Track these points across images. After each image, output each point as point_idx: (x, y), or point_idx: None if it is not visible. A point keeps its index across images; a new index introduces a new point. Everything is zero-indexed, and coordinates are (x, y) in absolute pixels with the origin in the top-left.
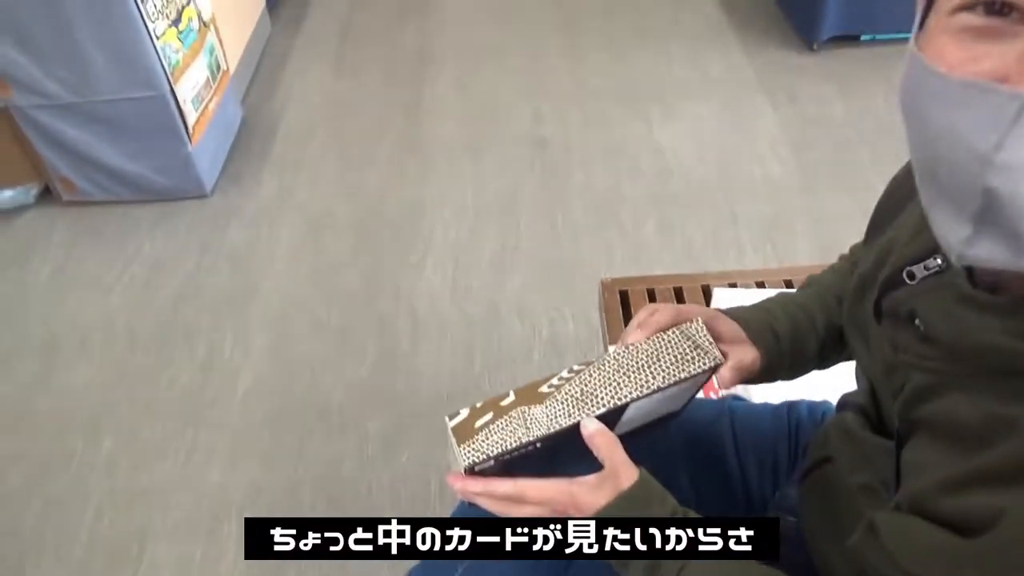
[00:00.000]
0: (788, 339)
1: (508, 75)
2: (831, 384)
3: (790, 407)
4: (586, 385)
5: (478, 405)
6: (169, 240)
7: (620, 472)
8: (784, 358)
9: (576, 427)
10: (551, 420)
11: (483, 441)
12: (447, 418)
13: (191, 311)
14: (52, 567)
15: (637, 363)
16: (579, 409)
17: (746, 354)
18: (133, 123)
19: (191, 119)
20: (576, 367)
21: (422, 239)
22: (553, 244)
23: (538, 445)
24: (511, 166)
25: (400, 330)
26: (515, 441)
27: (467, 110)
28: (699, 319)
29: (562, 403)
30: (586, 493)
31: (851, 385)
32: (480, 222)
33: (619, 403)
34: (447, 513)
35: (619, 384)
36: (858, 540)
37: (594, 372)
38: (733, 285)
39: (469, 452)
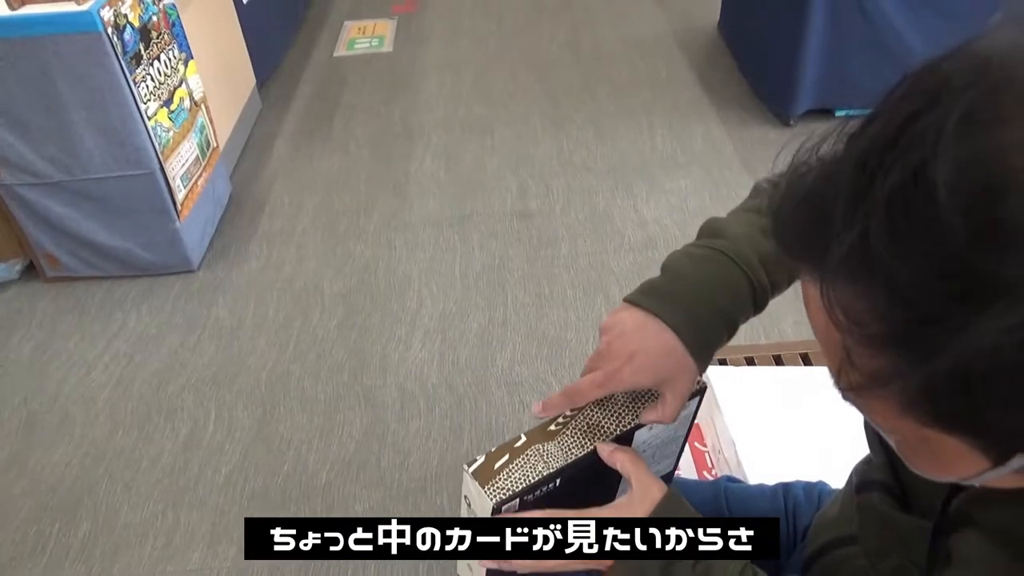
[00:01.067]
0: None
1: (494, 150)
2: (828, 464)
3: (786, 489)
4: (591, 419)
5: (492, 450)
6: (154, 316)
7: (649, 486)
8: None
9: (591, 456)
10: (566, 453)
11: (505, 480)
12: (465, 465)
13: (174, 388)
14: None
15: (634, 395)
16: (590, 439)
17: (677, 397)
18: (121, 200)
19: (180, 196)
20: (571, 410)
21: (409, 313)
22: (541, 316)
23: (558, 482)
24: (498, 239)
25: (387, 405)
26: (536, 475)
27: (454, 184)
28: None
29: (572, 436)
30: (620, 515)
31: (848, 465)
32: (467, 295)
33: (625, 429)
34: None
35: (621, 414)
36: None
37: (595, 407)
38: (723, 361)
39: (493, 492)
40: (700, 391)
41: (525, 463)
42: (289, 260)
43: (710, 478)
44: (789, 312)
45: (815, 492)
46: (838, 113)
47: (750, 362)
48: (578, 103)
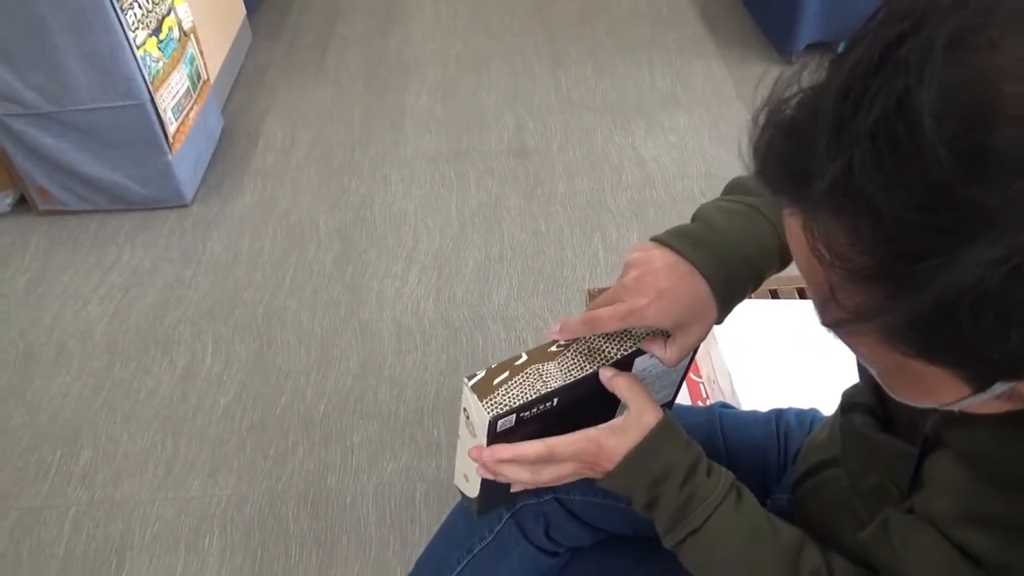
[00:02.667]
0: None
1: (490, 86)
2: (820, 393)
3: (778, 415)
4: (592, 343)
5: (493, 366)
6: (148, 250)
7: (645, 412)
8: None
9: (588, 379)
10: (565, 374)
11: (503, 395)
12: (465, 379)
13: (171, 321)
14: None
15: (621, 334)
16: (590, 363)
17: (686, 346)
18: (112, 132)
19: (171, 128)
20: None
21: (405, 248)
22: (537, 253)
23: (555, 401)
24: (494, 175)
25: (384, 339)
26: (533, 393)
27: (450, 120)
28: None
29: (573, 358)
30: (612, 437)
31: (837, 396)
32: (463, 231)
33: (626, 353)
34: (434, 523)
35: (623, 340)
36: (871, 533)
37: (587, 342)
38: None
39: (491, 406)
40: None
41: (524, 381)
42: (283, 195)
43: (703, 405)
44: None
45: (807, 418)
46: (842, 47)
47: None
48: (577, 39)
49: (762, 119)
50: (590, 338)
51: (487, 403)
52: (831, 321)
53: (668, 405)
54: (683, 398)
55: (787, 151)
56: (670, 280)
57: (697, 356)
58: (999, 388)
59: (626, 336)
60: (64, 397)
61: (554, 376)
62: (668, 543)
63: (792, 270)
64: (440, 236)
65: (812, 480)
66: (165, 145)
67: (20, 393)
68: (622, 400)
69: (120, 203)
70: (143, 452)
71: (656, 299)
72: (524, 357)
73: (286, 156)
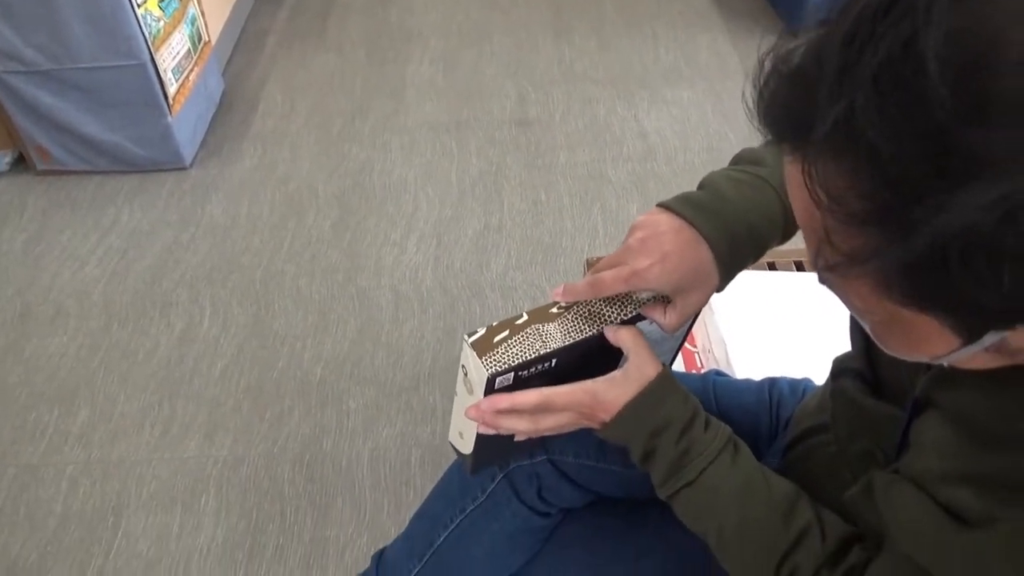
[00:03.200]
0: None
1: (492, 57)
2: (813, 363)
3: (771, 383)
4: (593, 307)
5: (494, 324)
6: (146, 212)
7: (646, 362)
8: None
9: (588, 341)
10: (565, 335)
11: (503, 353)
12: (465, 336)
13: (169, 284)
14: (26, 538)
15: (622, 297)
16: (590, 325)
17: (687, 313)
18: (112, 92)
19: (171, 89)
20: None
21: (404, 216)
22: (536, 223)
23: (553, 361)
24: (495, 145)
25: (381, 307)
26: (532, 353)
27: (451, 89)
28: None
29: (573, 321)
30: (610, 390)
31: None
32: (463, 200)
33: (626, 318)
34: (429, 487)
35: (624, 304)
36: (856, 494)
37: (588, 305)
38: None
39: (490, 363)
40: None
41: (524, 340)
42: (283, 160)
43: (697, 373)
44: None
45: (800, 387)
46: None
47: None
48: (581, 11)
49: (767, 66)
50: (591, 301)
51: (486, 360)
52: (825, 265)
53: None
54: (678, 367)
55: (791, 97)
56: (675, 244)
57: (692, 327)
58: (988, 340)
59: (627, 301)
60: (61, 357)
61: (554, 337)
62: (663, 494)
63: (790, 243)
64: (440, 204)
65: (802, 445)
66: (165, 106)
67: (17, 352)
68: (625, 351)
69: (119, 164)
70: (140, 412)
71: (660, 262)
72: (525, 317)
73: (286, 121)
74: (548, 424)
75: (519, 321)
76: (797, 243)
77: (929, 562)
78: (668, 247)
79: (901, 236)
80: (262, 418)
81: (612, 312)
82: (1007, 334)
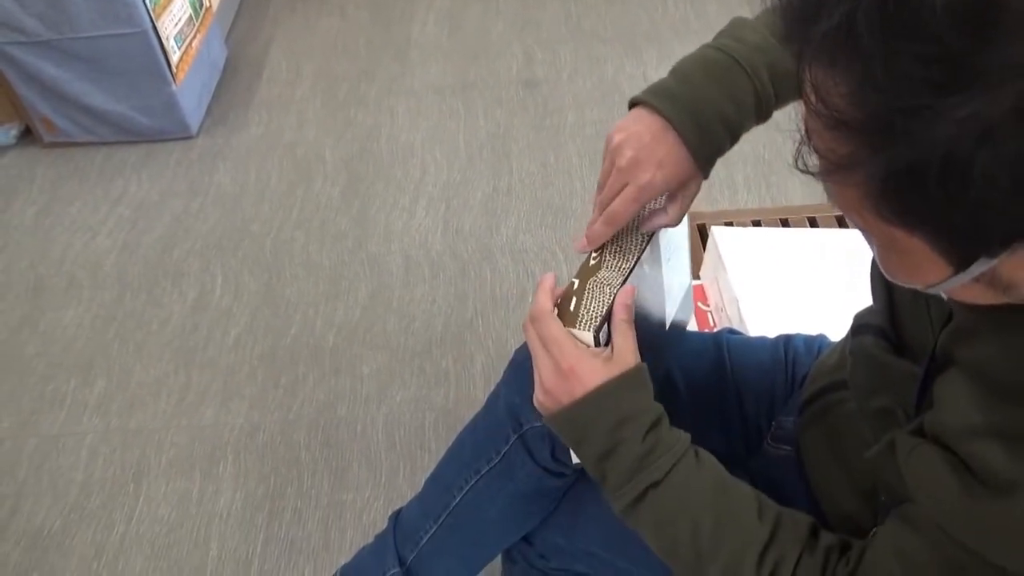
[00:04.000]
0: (732, 140)
1: (498, 14)
2: (828, 320)
3: (786, 341)
4: (618, 243)
5: (559, 302)
6: (155, 182)
7: (628, 352)
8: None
9: (636, 267)
10: (619, 273)
11: (587, 313)
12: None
13: (180, 254)
14: (50, 506)
15: (629, 226)
16: (627, 258)
17: (687, 201)
18: (115, 61)
19: (174, 57)
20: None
21: (413, 181)
22: (546, 185)
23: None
24: (503, 106)
25: (392, 272)
26: (609, 298)
27: (457, 50)
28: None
29: (614, 258)
30: (594, 359)
31: (846, 324)
32: (471, 163)
33: (644, 243)
34: (443, 450)
35: (636, 230)
36: (877, 453)
37: (611, 241)
38: (729, 224)
39: (585, 325)
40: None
41: (593, 296)
42: (289, 127)
43: (709, 332)
44: (798, 178)
45: (815, 344)
46: None
47: (756, 224)
48: None
49: None
50: (612, 246)
51: (580, 326)
52: (813, 170)
53: (686, 302)
54: (690, 327)
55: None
56: (664, 148)
57: (706, 285)
58: (977, 269)
59: (634, 226)
60: (77, 327)
61: (613, 280)
62: (620, 500)
63: (802, 199)
64: (448, 168)
65: (819, 402)
66: (169, 75)
67: (33, 324)
68: (614, 336)
69: (125, 135)
70: (156, 381)
71: (658, 169)
72: (576, 282)
73: (291, 87)
74: (536, 355)
75: (575, 287)
76: (808, 199)
77: (951, 525)
78: (660, 154)
79: (885, 147)
80: (277, 385)
81: (631, 241)
82: (995, 263)
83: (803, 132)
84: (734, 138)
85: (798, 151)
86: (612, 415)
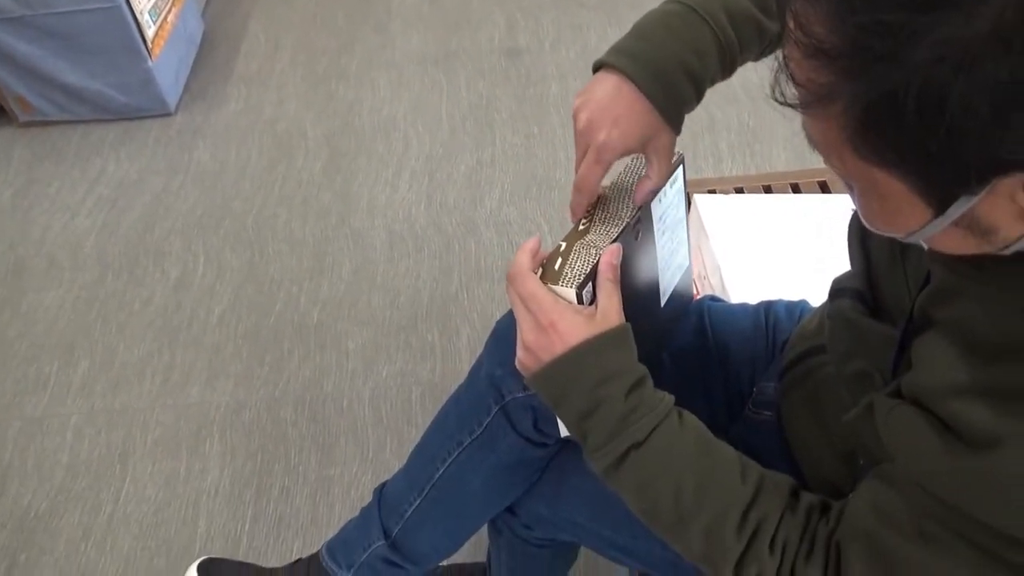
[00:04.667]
0: (698, 95)
1: None
2: (810, 286)
3: (767, 307)
4: (606, 207)
5: (544, 263)
6: (133, 161)
7: (612, 312)
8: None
9: (623, 234)
10: (606, 237)
11: (572, 271)
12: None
13: (161, 232)
14: (36, 488)
15: (632, 179)
16: (615, 225)
17: (662, 157)
18: (89, 37)
19: (149, 32)
20: (589, 210)
21: (395, 154)
22: (529, 156)
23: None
24: (485, 77)
25: (376, 247)
26: (594, 259)
27: (438, 19)
28: (628, 169)
29: (603, 224)
30: (577, 315)
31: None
32: (454, 136)
33: (636, 209)
34: (426, 423)
35: (626, 198)
36: (855, 416)
37: (601, 207)
38: (712, 191)
39: (568, 281)
40: (680, 160)
41: (579, 257)
42: (269, 102)
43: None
44: (782, 146)
45: (796, 310)
46: None
47: (739, 191)
48: None
49: None
50: (602, 206)
51: (564, 283)
52: (791, 100)
53: (687, 272)
54: None
55: None
56: (618, 106)
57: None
58: (956, 210)
59: (622, 189)
60: (58, 309)
61: (599, 242)
62: (601, 461)
63: (785, 166)
64: (430, 141)
65: (799, 367)
66: (144, 51)
67: (14, 306)
68: (599, 295)
69: (102, 113)
70: (140, 361)
71: (612, 127)
72: (563, 244)
73: (270, 61)
74: (518, 312)
75: (562, 248)
76: (792, 166)
77: (931, 483)
78: (616, 111)
79: (861, 74)
80: (262, 362)
81: (622, 208)
82: (973, 202)
83: (781, 61)
84: (699, 90)
85: (775, 79)
86: (594, 373)
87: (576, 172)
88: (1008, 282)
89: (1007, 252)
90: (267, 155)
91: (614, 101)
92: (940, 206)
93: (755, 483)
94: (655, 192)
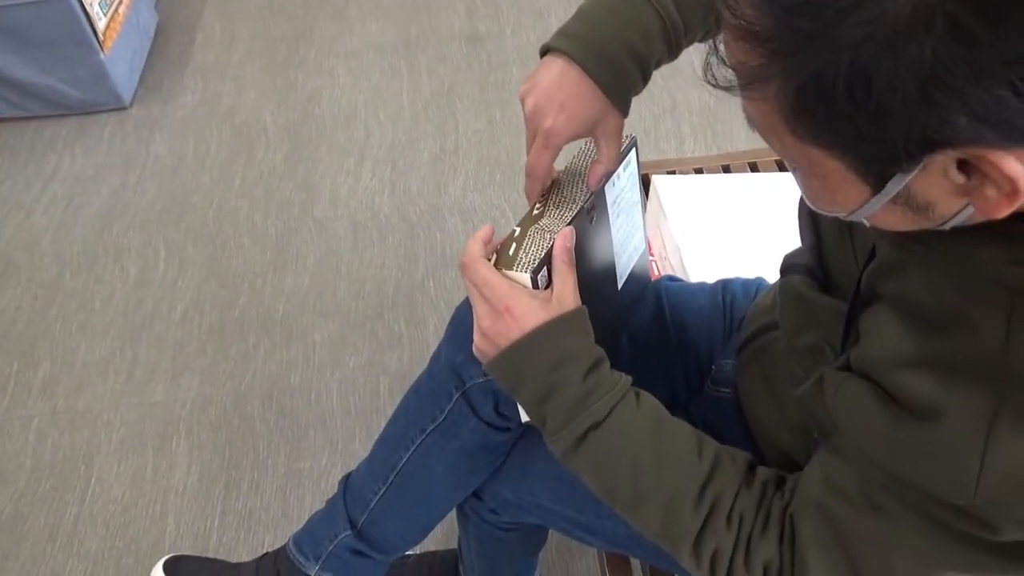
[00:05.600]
0: (644, 77)
1: None
2: (768, 264)
3: (724, 285)
4: (561, 191)
5: (498, 248)
6: (89, 156)
7: (567, 295)
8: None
9: (577, 219)
10: (560, 221)
11: (526, 256)
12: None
13: (119, 229)
14: None
15: (574, 178)
16: (570, 208)
17: (611, 140)
18: (36, 31)
19: (100, 25)
20: (543, 195)
21: (357, 144)
22: (493, 143)
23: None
24: (446, 64)
25: (340, 237)
26: (548, 244)
27: (397, 7)
28: (582, 153)
29: (556, 209)
30: (532, 300)
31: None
32: (416, 123)
33: (588, 195)
34: None
35: (574, 181)
36: (806, 391)
37: (555, 192)
38: (672, 172)
39: (523, 266)
40: (632, 143)
41: (533, 241)
42: (227, 93)
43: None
44: (743, 126)
45: (752, 287)
46: None
47: (699, 171)
48: None
49: None
50: (555, 188)
51: (518, 268)
52: (723, 83)
53: (643, 256)
54: None
55: None
56: (563, 90)
57: (649, 235)
58: (893, 188)
59: (575, 173)
60: (16, 310)
61: (554, 227)
62: (560, 443)
63: (747, 143)
64: (392, 129)
65: (754, 344)
66: (96, 43)
67: None
68: (554, 279)
69: (55, 108)
70: (102, 360)
71: (559, 111)
72: (517, 230)
73: (227, 52)
74: (474, 299)
75: (516, 233)
76: (752, 145)
77: (876, 452)
78: (560, 95)
79: (791, 55)
80: (227, 357)
81: (576, 191)
82: (908, 180)
83: (713, 46)
84: (645, 71)
85: (706, 63)
86: (550, 355)
87: (527, 157)
88: (949, 254)
89: (946, 227)
90: (226, 147)
91: (559, 86)
92: (877, 184)
93: (711, 459)
94: (608, 175)
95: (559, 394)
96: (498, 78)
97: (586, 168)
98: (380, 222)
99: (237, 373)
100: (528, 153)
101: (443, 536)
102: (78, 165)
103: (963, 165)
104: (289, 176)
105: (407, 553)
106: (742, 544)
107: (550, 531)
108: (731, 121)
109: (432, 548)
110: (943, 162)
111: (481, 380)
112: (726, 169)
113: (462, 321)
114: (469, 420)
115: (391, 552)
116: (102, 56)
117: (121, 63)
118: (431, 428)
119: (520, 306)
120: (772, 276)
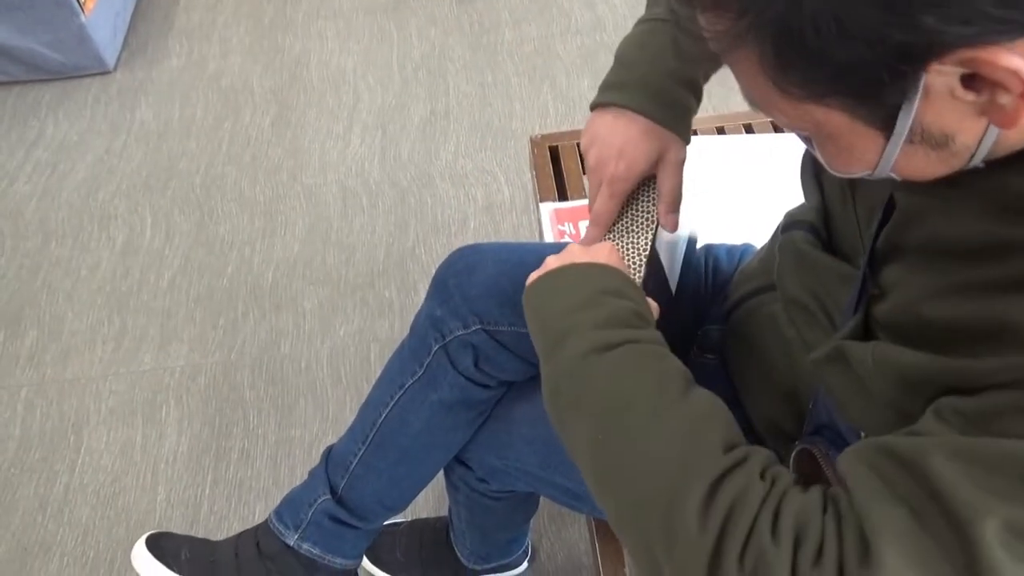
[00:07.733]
0: (695, 101)
1: None
2: (756, 229)
3: (707, 250)
4: (629, 233)
5: None
6: (74, 121)
7: (611, 257)
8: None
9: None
10: (642, 252)
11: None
12: None
13: (105, 196)
14: None
15: (647, 204)
16: (637, 245)
17: (672, 172)
18: None
19: None
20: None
21: (346, 108)
22: (484, 106)
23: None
24: (437, 25)
25: (329, 203)
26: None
27: None
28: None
29: (626, 250)
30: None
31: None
32: (407, 87)
33: (651, 235)
34: None
35: (641, 221)
36: (820, 359)
37: (621, 224)
38: None
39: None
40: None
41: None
42: (213, 56)
43: None
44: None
45: (737, 252)
46: None
47: (693, 134)
48: None
49: None
50: (620, 227)
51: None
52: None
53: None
54: None
55: None
56: (619, 136)
57: None
58: (903, 124)
59: (641, 215)
60: (1, 279)
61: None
62: (584, 343)
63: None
64: (382, 93)
65: (741, 309)
66: (76, 4)
67: None
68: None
69: (37, 72)
70: (90, 329)
71: (618, 158)
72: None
73: (212, 13)
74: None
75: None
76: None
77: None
78: (617, 142)
79: (753, 7)
80: (216, 326)
81: (639, 220)
82: (915, 109)
83: (678, 21)
84: (695, 89)
85: (674, 40)
86: (611, 284)
87: (590, 205)
88: (982, 187)
89: (976, 162)
90: (213, 112)
91: (613, 135)
92: (886, 124)
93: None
94: (677, 207)
95: (605, 307)
96: (490, 40)
97: (649, 209)
98: (370, 188)
99: (226, 342)
100: (591, 200)
101: (435, 503)
102: (62, 131)
103: (968, 82)
104: (277, 141)
105: (398, 521)
106: (774, 498)
107: (541, 499)
108: (725, 84)
109: (424, 516)
110: (944, 83)
111: (461, 333)
112: (720, 131)
113: (443, 281)
114: (447, 373)
115: (371, 519)
116: (83, 18)
117: (103, 25)
118: (410, 383)
119: (613, 255)
120: (764, 240)
